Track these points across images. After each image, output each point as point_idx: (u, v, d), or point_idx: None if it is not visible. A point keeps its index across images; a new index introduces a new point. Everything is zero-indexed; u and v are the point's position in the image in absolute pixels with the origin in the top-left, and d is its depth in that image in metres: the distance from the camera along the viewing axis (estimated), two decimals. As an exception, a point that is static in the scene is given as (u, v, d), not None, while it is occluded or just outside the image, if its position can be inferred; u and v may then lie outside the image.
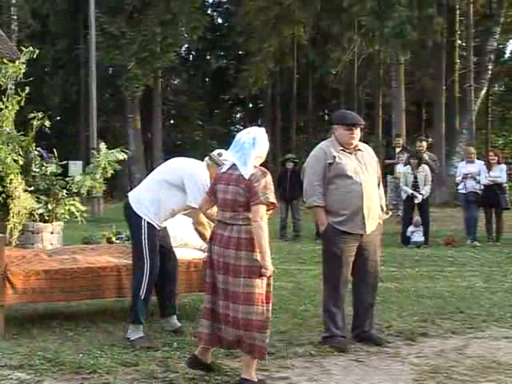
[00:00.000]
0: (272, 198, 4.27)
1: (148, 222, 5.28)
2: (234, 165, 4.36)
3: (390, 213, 6.71)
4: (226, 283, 4.27)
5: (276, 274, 8.67)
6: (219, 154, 5.22)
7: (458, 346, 5.17)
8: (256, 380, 4.26)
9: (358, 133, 5.24)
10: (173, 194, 5.30)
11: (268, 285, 4.32)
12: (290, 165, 13.23)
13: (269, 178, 4.31)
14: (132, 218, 5.36)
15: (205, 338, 4.37)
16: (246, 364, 4.27)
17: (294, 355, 4.84)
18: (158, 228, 5.35)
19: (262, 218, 4.23)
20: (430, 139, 21.39)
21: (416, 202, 12.01)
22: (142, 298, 5.22)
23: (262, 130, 4.53)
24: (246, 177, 4.26)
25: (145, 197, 5.35)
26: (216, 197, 4.45)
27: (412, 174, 12.18)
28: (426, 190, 12.07)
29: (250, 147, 4.33)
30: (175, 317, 5.63)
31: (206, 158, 5.39)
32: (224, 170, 4.46)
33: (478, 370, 4.54)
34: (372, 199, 5.13)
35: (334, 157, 5.13)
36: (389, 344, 5.16)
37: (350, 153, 5.21)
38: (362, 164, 5.17)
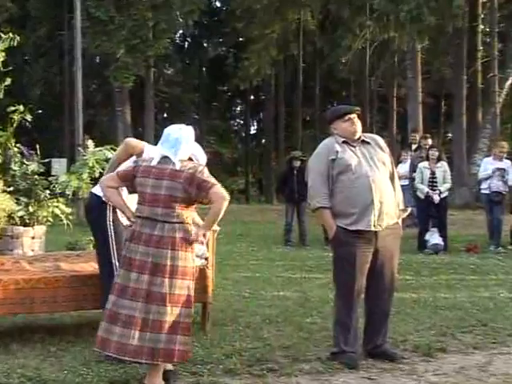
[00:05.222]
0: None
1: (113, 218, 5.29)
2: (164, 159, 4.55)
3: (410, 209, 6.64)
4: (152, 285, 4.40)
5: (280, 282, 8.76)
6: None
7: (481, 362, 5.17)
8: None
9: (358, 122, 5.26)
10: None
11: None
12: (296, 163, 13.12)
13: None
14: (97, 214, 5.32)
15: (108, 344, 4.43)
16: (156, 371, 4.43)
17: (299, 372, 4.84)
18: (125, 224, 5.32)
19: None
20: (449, 134, 21.36)
21: (434, 201, 11.86)
22: None
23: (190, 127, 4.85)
24: (177, 167, 4.49)
25: None
26: (133, 187, 4.65)
27: (429, 169, 12.06)
28: (444, 187, 11.99)
29: (185, 143, 4.66)
30: None
31: None
32: (153, 163, 4.57)
33: (502, 388, 4.55)
34: (383, 193, 5.08)
35: (337, 152, 5.13)
36: (404, 360, 5.15)
37: (354, 146, 5.21)
38: (367, 157, 5.17)
